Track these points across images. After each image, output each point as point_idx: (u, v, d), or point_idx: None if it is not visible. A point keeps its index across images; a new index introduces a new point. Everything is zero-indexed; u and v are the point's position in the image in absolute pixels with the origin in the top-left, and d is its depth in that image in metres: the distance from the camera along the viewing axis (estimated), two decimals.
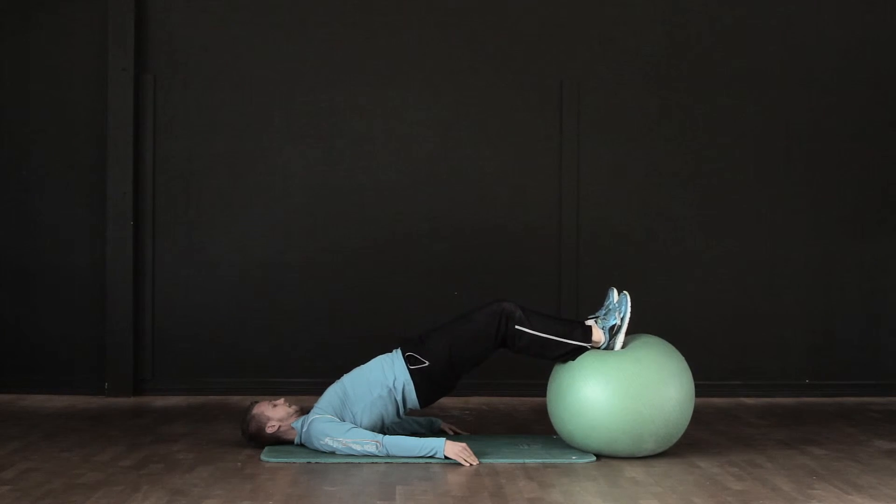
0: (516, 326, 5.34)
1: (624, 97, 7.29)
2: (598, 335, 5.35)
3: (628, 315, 5.36)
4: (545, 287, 7.20)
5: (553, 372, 5.45)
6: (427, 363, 5.36)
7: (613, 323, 5.35)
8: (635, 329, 5.48)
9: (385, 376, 5.37)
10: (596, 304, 7.02)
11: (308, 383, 6.87)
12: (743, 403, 7.01)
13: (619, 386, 5.17)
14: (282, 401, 5.48)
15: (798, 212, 7.32)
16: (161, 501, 4.42)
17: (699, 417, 6.44)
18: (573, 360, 5.36)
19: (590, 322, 5.42)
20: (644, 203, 7.28)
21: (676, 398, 5.24)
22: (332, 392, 5.42)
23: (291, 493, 4.60)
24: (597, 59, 7.29)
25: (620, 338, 5.35)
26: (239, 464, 5.11)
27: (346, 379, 5.46)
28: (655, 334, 5.53)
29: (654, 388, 5.19)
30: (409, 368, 5.36)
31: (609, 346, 5.35)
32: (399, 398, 5.37)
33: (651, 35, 7.30)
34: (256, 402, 5.49)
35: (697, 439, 5.75)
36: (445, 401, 6.79)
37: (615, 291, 5.48)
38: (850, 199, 7.34)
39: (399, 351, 5.44)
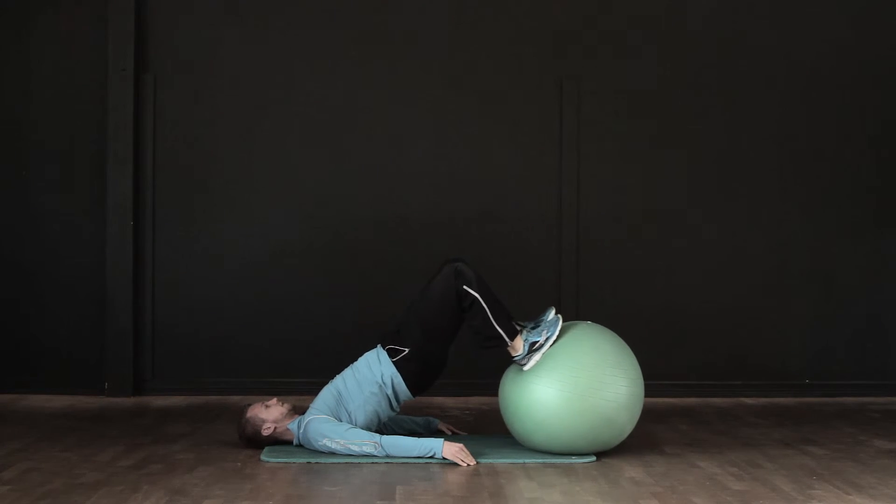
0: (464, 287, 5.28)
1: (624, 97, 7.29)
2: (519, 344, 5.28)
3: (554, 338, 5.26)
4: (545, 286, 7.19)
5: (505, 418, 5.42)
6: (406, 350, 5.36)
7: (537, 340, 5.28)
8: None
9: (373, 373, 5.38)
10: (595, 306, 7.07)
11: (307, 383, 6.87)
12: (743, 403, 7.01)
13: (567, 399, 5.13)
14: (274, 401, 5.48)
15: (798, 211, 7.32)
16: (161, 501, 4.42)
17: (699, 417, 6.44)
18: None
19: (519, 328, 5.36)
20: (644, 203, 7.28)
21: (622, 373, 5.19)
22: (327, 392, 5.43)
23: (291, 493, 4.60)
24: (597, 59, 7.29)
25: (535, 358, 5.24)
26: (239, 464, 5.11)
27: (339, 379, 5.47)
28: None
29: (597, 381, 5.14)
30: (392, 361, 5.37)
31: (522, 362, 5.28)
32: (390, 392, 5.37)
33: (651, 35, 7.30)
34: (249, 405, 5.50)
35: (697, 439, 5.75)
36: (445, 400, 6.81)
37: (553, 311, 5.39)
38: (850, 199, 7.34)
39: (380, 346, 5.45)
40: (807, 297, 7.31)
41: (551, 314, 5.37)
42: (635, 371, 5.30)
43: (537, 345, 5.26)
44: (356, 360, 5.53)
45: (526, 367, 5.26)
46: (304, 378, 7.01)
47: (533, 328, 5.32)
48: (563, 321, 5.36)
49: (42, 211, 7.15)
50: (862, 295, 7.33)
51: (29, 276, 7.15)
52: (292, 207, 7.21)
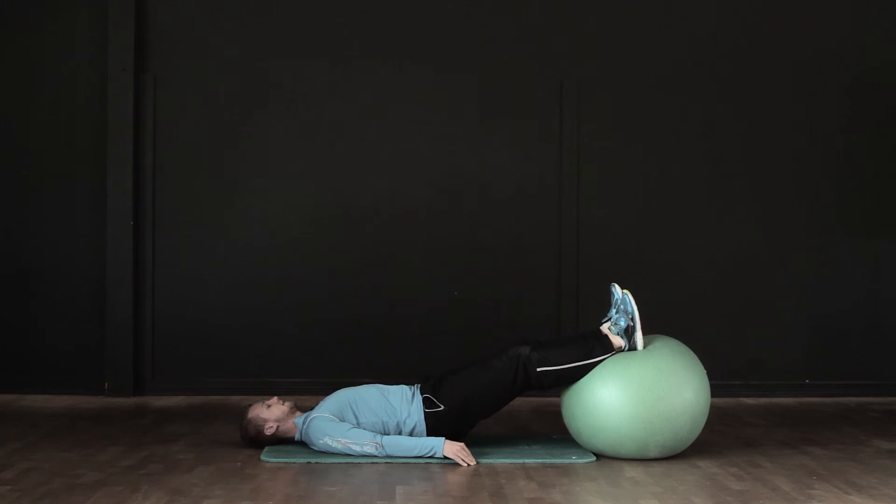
0: (538, 369, 5.31)
1: (624, 98, 7.29)
2: (617, 341, 5.35)
3: (637, 312, 5.35)
4: (545, 287, 7.20)
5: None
6: (442, 408, 5.33)
7: (626, 325, 5.35)
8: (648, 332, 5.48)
9: (400, 410, 5.34)
10: (595, 306, 7.05)
11: (308, 383, 6.88)
12: (743, 403, 7.01)
13: (634, 393, 5.15)
14: (274, 399, 5.48)
15: (798, 212, 7.32)
16: (161, 501, 4.42)
17: None
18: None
19: (605, 329, 5.41)
20: (644, 203, 7.29)
21: (689, 413, 5.21)
22: (343, 395, 5.41)
23: (291, 493, 4.60)
24: (597, 60, 7.29)
25: (639, 336, 5.34)
26: (239, 464, 5.11)
27: (364, 389, 5.43)
28: (655, 335, 5.52)
29: (668, 400, 5.16)
30: (424, 411, 5.34)
31: (631, 347, 5.35)
32: (405, 432, 5.32)
33: (650, 36, 7.30)
34: (250, 406, 5.49)
35: (697, 439, 5.74)
36: None
37: (618, 288, 5.47)
38: (850, 199, 7.34)
39: (419, 388, 5.42)
40: (806, 296, 7.31)
41: (617, 293, 5.45)
42: (703, 412, 5.30)
43: (630, 328, 5.35)
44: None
45: (640, 349, 5.33)
46: (304, 378, 7.02)
47: (616, 315, 5.40)
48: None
49: (42, 211, 7.15)
50: (862, 295, 7.33)
51: (29, 276, 7.15)
52: (292, 207, 7.21)
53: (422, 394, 5.37)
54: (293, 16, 7.23)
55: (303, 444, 5.39)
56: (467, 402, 5.33)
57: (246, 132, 7.21)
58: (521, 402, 6.84)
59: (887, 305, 7.34)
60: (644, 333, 5.40)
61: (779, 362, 7.29)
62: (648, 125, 7.29)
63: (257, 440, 5.42)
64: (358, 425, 5.28)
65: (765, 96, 7.31)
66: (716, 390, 7.10)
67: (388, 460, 5.14)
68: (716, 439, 5.78)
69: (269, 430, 5.39)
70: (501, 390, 5.35)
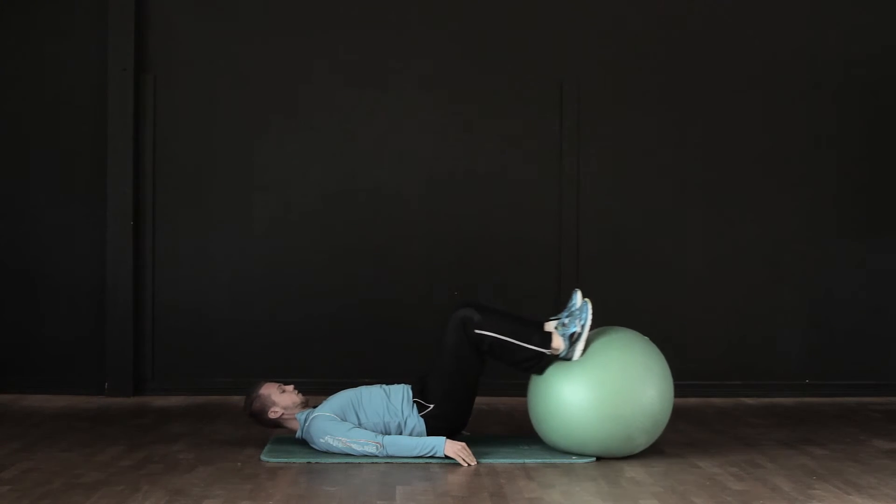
0: (475, 330, 5.24)
1: (624, 97, 7.29)
2: (558, 342, 5.25)
3: (589, 323, 5.23)
4: (545, 286, 7.20)
5: (529, 396, 5.41)
6: (432, 406, 5.33)
7: (574, 331, 5.25)
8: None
9: (401, 412, 5.34)
10: (595, 306, 7.05)
11: (308, 383, 6.85)
12: (743, 403, 7.01)
13: (595, 396, 5.12)
14: (291, 387, 5.46)
15: (797, 212, 7.33)
16: (161, 501, 4.42)
17: (699, 417, 6.44)
18: (539, 373, 5.29)
19: (550, 327, 5.32)
20: (644, 203, 7.29)
21: (654, 388, 5.19)
22: (345, 395, 5.41)
23: (291, 493, 4.60)
24: (597, 59, 7.29)
25: (580, 346, 5.22)
26: (239, 464, 5.11)
27: (365, 390, 5.43)
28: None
29: (629, 387, 5.14)
30: (419, 415, 5.33)
31: (568, 356, 5.24)
32: (406, 434, 5.32)
33: (651, 35, 7.30)
34: (266, 381, 5.49)
35: (697, 439, 5.75)
36: None
37: (579, 294, 5.37)
38: (850, 199, 7.34)
39: (412, 393, 5.41)
40: (806, 297, 7.31)
41: (577, 298, 5.34)
42: (665, 378, 5.28)
43: (576, 335, 5.23)
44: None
45: (575, 359, 5.22)
46: (304, 378, 7.00)
47: (567, 318, 5.29)
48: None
49: (42, 211, 7.15)
50: (861, 295, 7.33)
51: (29, 276, 7.15)
52: (293, 207, 7.21)
53: (413, 398, 5.38)
54: (293, 15, 7.23)
55: (303, 444, 5.39)
56: (448, 388, 5.31)
57: (246, 132, 7.21)
58: (521, 402, 6.81)
59: (886, 305, 7.34)
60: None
61: (779, 362, 7.29)
62: (648, 124, 7.29)
63: (257, 417, 5.43)
64: (360, 425, 5.29)
65: (764, 96, 7.31)
66: (716, 390, 7.16)
67: (389, 460, 5.14)
68: (716, 439, 5.78)
69: (273, 414, 5.39)
70: (466, 357, 5.27)
